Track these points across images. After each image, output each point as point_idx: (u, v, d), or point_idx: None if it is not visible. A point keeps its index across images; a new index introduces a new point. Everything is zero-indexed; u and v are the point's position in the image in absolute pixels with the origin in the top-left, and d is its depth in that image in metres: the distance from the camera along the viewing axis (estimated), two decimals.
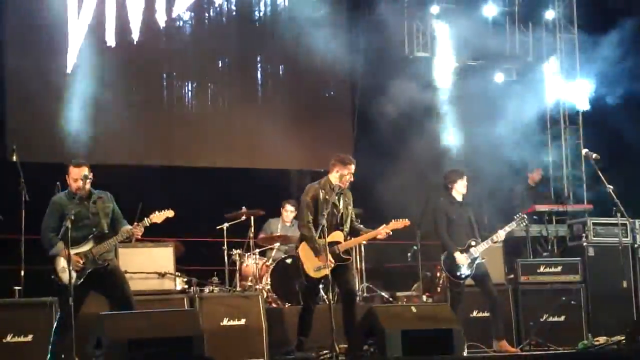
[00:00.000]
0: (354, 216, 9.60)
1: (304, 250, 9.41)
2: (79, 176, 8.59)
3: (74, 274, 8.33)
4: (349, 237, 9.48)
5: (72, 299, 8.19)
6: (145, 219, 8.74)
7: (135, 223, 8.71)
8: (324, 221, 9.13)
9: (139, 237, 8.81)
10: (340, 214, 9.39)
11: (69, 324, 8.19)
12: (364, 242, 11.44)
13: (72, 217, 8.35)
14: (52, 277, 8.51)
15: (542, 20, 15.87)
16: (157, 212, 8.83)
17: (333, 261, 9.18)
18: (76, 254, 8.42)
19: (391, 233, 9.53)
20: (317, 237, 9.25)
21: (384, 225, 9.52)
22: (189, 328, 8.21)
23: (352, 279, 9.73)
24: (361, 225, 9.65)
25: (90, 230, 8.58)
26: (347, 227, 9.48)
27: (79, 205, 8.56)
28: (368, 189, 12.31)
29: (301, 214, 9.52)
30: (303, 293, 9.68)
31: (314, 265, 9.30)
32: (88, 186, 8.64)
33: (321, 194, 9.41)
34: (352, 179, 9.51)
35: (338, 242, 9.34)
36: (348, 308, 9.29)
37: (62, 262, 8.43)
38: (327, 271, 9.15)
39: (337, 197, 9.42)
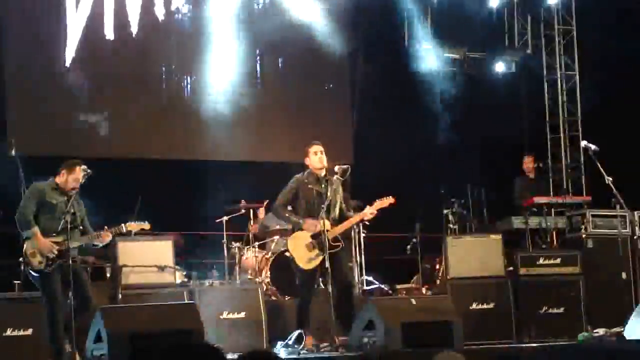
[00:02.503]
0: (344, 205, 9.57)
1: (294, 244, 9.40)
2: (81, 178, 8.70)
3: (44, 260, 8.44)
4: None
5: (71, 293, 8.26)
6: (123, 225, 8.85)
7: (106, 228, 8.79)
8: (321, 213, 9.15)
9: (105, 242, 8.92)
10: (327, 202, 9.31)
11: (58, 312, 8.32)
12: (361, 229, 11.44)
13: (68, 217, 8.49)
14: (21, 260, 8.60)
15: (541, 12, 15.87)
16: (134, 222, 9.02)
17: (320, 254, 9.17)
18: (52, 242, 8.52)
19: (376, 213, 9.49)
20: (290, 215, 9.39)
21: (368, 206, 9.51)
22: (189, 321, 8.23)
23: (347, 270, 9.71)
24: (354, 213, 9.63)
25: (65, 224, 8.62)
26: (335, 215, 9.44)
27: (60, 197, 8.67)
28: (370, 180, 12.32)
29: (279, 197, 9.56)
30: (299, 285, 9.66)
31: (304, 256, 9.29)
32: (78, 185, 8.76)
33: (306, 183, 9.43)
34: (322, 159, 9.46)
35: (323, 231, 9.22)
36: (344, 300, 9.27)
37: (30, 247, 8.54)
38: (318, 261, 9.16)
39: (323, 186, 9.41)
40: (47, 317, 8.59)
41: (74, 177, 8.72)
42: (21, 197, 9.48)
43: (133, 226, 9.01)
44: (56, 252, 8.52)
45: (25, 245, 8.61)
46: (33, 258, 8.52)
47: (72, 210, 8.58)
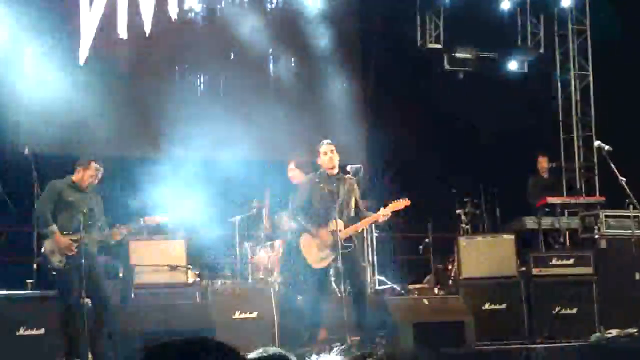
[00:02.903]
0: (360, 204, 9.56)
1: (304, 243, 9.40)
2: (96, 173, 8.75)
3: (63, 258, 8.45)
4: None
5: (81, 289, 8.28)
6: (141, 219, 8.87)
7: (118, 225, 8.83)
8: (334, 212, 9.14)
9: (118, 239, 8.94)
10: (340, 202, 9.32)
11: (75, 312, 8.32)
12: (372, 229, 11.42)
13: (85, 211, 8.50)
14: (39, 258, 8.63)
15: (554, 12, 15.85)
16: (151, 216, 8.99)
17: (332, 253, 9.17)
18: (70, 240, 8.54)
19: (390, 215, 9.46)
20: (307, 223, 9.35)
21: (382, 208, 9.48)
22: (201, 321, 8.25)
23: (360, 271, 9.70)
24: (368, 213, 9.60)
25: (84, 220, 8.64)
26: (348, 214, 9.43)
27: (77, 194, 8.70)
28: (383, 180, 12.33)
29: (293, 201, 9.56)
30: (312, 285, 9.65)
31: (315, 256, 9.29)
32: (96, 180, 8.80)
33: (317, 182, 9.42)
34: (333, 158, 9.44)
35: (336, 231, 9.23)
36: (357, 301, 9.27)
37: (50, 245, 8.55)
38: (329, 260, 9.16)
39: (335, 185, 9.39)
40: (62, 315, 8.60)
41: (90, 173, 8.79)
42: (34, 196, 9.52)
43: (151, 219, 8.98)
44: (75, 250, 8.54)
45: (44, 244, 8.63)
46: (52, 256, 8.56)
47: (84, 210, 8.60)
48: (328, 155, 9.46)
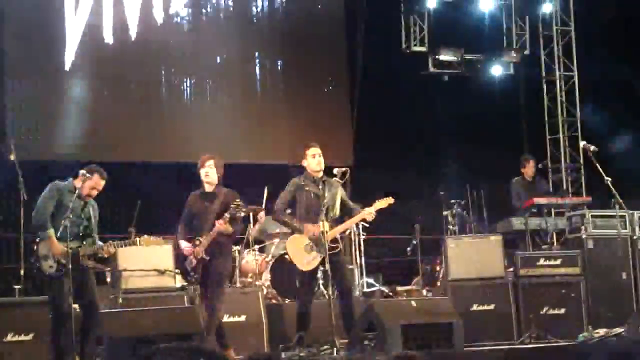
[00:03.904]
0: (347, 204, 9.57)
1: (291, 246, 9.40)
2: (98, 186, 8.63)
3: (55, 265, 8.38)
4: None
5: (71, 293, 8.24)
6: (138, 239, 8.77)
7: (109, 242, 8.71)
8: (320, 214, 9.15)
9: (108, 255, 8.84)
10: (326, 204, 9.30)
11: (66, 319, 8.26)
12: (361, 232, 11.43)
13: (84, 221, 8.46)
14: (32, 261, 8.52)
15: (539, 13, 15.91)
16: (146, 236, 8.86)
17: (319, 255, 9.18)
18: (65, 247, 8.44)
19: (375, 214, 9.48)
20: (291, 221, 9.35)
21: (367, 207, 9.49)
22: (189, 325, 8.23)
23: (347, 273, 9.69)
24: (355, 210, 9.61)
25: (80, 229, 8.59)
26: (333, 216, 9.43)
27: (77, 201, 8.58)
28: (370, 182, 12.34)
29: (278, 201, 9.56)
30: (299, 288, 9.65)
31: (303, 259, 9.29)
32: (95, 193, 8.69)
33: (303, 185, 9.43)
34: (320, 161, 9.46)
35: (322, 233, 9.18)
36: (344, 302, 9.27)
37: (44, 249, 8.44)
38: (317, 262, 9.17)
39: (320, 187, 9.41)
40: (52, 321, 8.54)
41: (91, 184, 8.59)
42: (20, 202, 9.47)
43: (145, 239, 8.86)
44: (68, 258, 8.43)
45: (38, 247, 8.47)
46: (44, 261, 8.42)
47: (83, 219, 8.50)
48: (316, 159, 9.48)
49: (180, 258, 9.16)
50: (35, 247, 8.51)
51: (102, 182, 8.66)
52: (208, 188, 9.15)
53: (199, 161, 9.22)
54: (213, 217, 8.93)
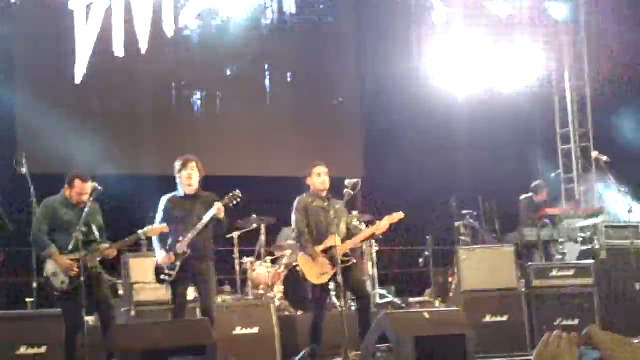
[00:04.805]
0: (353, 219, 9.59)
1: (303, 259, 9.40)
2: (84, 191, 8.61)
3: (66, 279, 8.37)
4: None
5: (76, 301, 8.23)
6: (140, 232, 8.74)
7: (108, 245, 8.69)
8: (331, 228, 9.16)
9: (111, 256, 8.81)
10: (333, 219, 9.30)
11: (79, 332, 8.25)
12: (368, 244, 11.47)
13: (83, 229, 8.43)
14: (42, 281, 8.53)
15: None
16: (151, 227, 8.84)
17: (331, 268, 9.17)
18: (70, 259, 8.44)
19: (386, 229, 9.48)
20: (312, 245, 9.32)
21: (378, 222, 9.48)
22: (202, 337, 8.21)
23: (362, 281, 9.71)
24: (362, 227, 9.64)
25: (83, 237, 8.56)
26: (343, 230, 9.45)
27: (72, 211, 8.58)
28: (381, 193, 12.31)
29: (295, 225, 9.54)
30: (311, 300, 9.64)
31: (314, 272, 9.28)
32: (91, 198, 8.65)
33: (310, 202, 9.44)
34: (325, 181, 9.49)
35: (334, 247, 9.24)
36: (362, 311, 9.29)
37: (52, 267, 8.44)
38: (329, 276, 9.16)
39: (326, 203, 9.41)
40: (67, 335, 8.53)
41: (76, 191, 8.62)
42: (32, 214, 9.47)
43: (152, 230, 8.85)
44: (77, 270, 8.42)
45: (46, 266, 8.50)
46: (55, 278, 8.42)
47: (82, 228, 8.48)
48: (322, 178, 9.52)
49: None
50: (43, 267, 8.55)
51: (86, 185, 8.63)
52: (189, 190, 9.11)
53: (177, 163, 9.15)
54: (196, 220, 8.90)
